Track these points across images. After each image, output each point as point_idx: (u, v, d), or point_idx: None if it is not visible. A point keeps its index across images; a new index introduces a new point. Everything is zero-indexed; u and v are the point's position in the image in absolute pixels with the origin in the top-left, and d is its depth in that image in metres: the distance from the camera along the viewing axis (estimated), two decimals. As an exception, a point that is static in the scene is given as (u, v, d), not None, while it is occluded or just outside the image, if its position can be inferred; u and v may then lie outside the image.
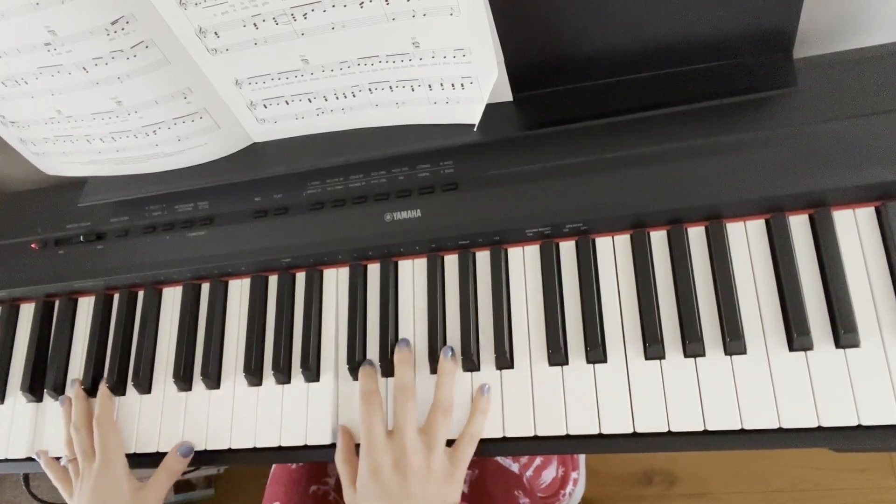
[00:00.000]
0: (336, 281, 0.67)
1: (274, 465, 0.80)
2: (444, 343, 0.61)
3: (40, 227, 0.75)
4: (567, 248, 0.61)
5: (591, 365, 0.57)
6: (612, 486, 1.31)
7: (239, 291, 0.70)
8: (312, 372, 0.64)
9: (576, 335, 0.58)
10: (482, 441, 0.58)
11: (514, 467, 0.77)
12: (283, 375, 0.65)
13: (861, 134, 0.53)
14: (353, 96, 0.60)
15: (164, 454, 0.65)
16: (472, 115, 0.59)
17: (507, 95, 0.59)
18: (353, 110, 0.62)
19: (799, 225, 0.56)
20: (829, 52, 0.58)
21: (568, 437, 0.56)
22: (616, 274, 0.59)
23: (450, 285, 0.63)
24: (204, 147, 0.65)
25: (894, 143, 0.52)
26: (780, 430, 0.52)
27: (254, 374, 0.65)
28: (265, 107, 0.62)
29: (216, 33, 0.55)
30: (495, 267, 0.62)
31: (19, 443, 0.71)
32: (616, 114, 0.58)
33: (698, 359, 0.55)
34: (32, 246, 0.74)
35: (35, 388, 0.72)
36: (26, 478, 0.78)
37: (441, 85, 0.57)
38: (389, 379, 0.62)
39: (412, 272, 0.65)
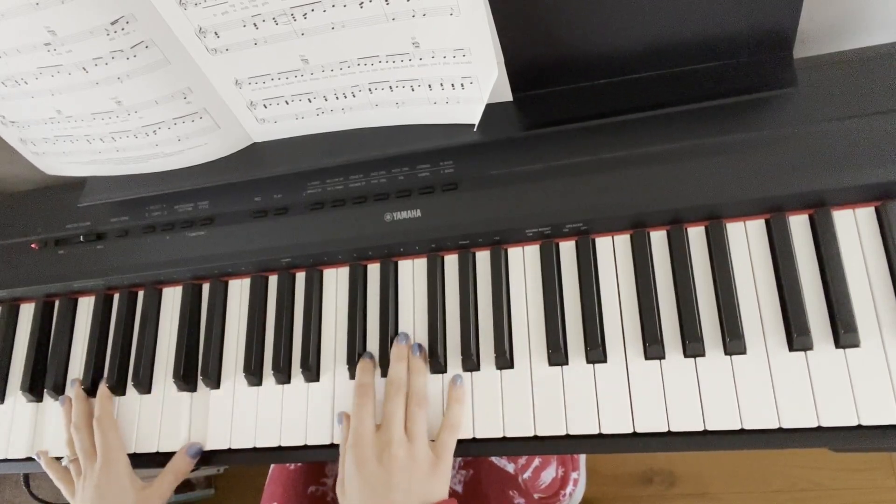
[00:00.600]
0: (336, 281, 0.67)
1: (272, 466, 0.80)
2: (445, 343, 0.61)
3: (40, 227, 0.75)
4: (567, 248, 0.61)
5: (591, 365, 0.57)
6: (612, 486, 1.31)
7: (239, 291, 0.70)
8: (312, 372, 0.64)
9: (576, 335, 0.58)
10: (482, 441, 0.58)
11: (510, 467, 0.77)
12: (283, 375, 0.65)
13: (861, 134, 0.53)
14: (353, 96, 0.60)
15: (164, 454, 0.66)
16: (472, 115, 0.59)
17: (506, 95, 0.59)
18: (353, 110, 0.62)
19: (799, 225, 0.56)
20: (829, 52, 0.58)
21: (568, 437, 0.56)
22: (616, 274, 0.59)
23: (450, 285, 0.63)
24: (204, 147, 0.65)
25: (894, 143, 0.52)
26: (780, 430, 0.52)
27: (254, 374, 0.65)
28: (265, 107, 0.62)
29: (216, 33, 0.55)
30: (495, 267, 0.62)
31: (19, 443, 0.71)
32: (616, 114, 0.58)
33: (698, 359, 0.55)
34: (32, 246, 0.74)
35: (35, 388, 0.72)
36: (26, 478, 0.78)
37: (441, 85, 0.57)
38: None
39: (412, 272, 0.65)
